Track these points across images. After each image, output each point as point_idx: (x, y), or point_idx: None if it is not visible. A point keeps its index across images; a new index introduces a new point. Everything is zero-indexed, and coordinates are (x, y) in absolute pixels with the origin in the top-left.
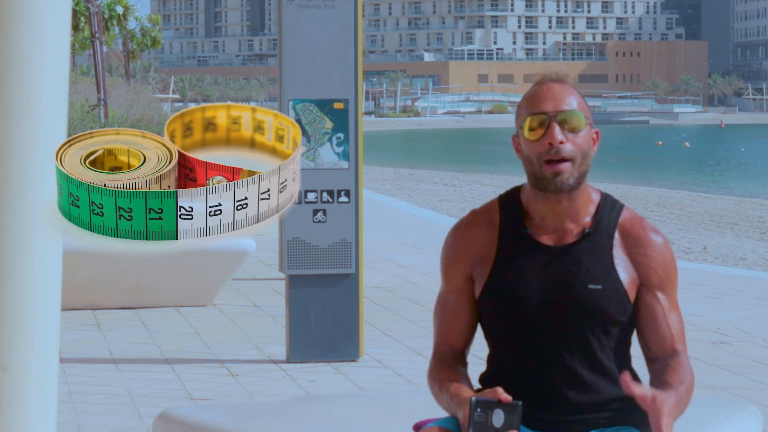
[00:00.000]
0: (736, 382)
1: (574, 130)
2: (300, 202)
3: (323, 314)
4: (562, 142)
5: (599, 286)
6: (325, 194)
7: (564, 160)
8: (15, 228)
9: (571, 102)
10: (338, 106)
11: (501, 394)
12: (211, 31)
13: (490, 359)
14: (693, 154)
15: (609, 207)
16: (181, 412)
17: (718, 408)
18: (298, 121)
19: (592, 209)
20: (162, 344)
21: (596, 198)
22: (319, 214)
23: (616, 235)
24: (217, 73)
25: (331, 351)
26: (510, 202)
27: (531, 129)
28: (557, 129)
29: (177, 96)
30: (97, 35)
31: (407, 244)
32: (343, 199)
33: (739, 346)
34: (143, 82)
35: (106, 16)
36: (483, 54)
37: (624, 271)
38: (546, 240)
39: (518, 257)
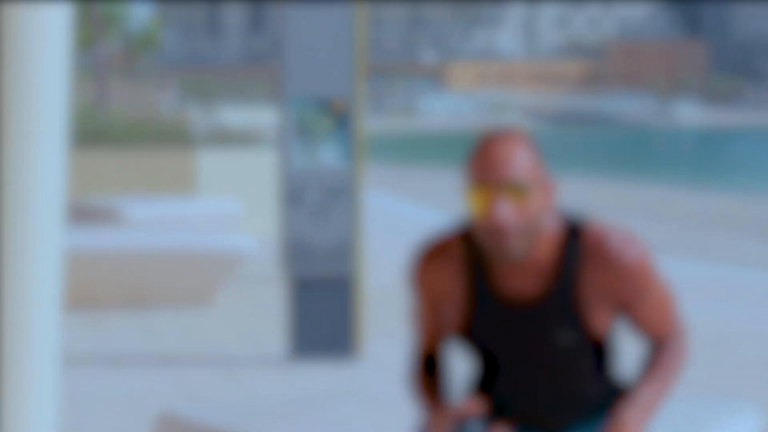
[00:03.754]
0: (736, 382)
1: (519, 199)
2: (300, 202)
3: (323, 314)
4: (507, 220)
5: (570, 340)
6: (325, 194)
7: (510, 233)
8: (15, 228)
9: (516, 166)
10: (338, 106)
11: (474, 407)
12: (211, 31)
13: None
14: (692, 154)
15: (572, 239)
16: (181, 412)
17: (718, 408)
18: (299, 120)
19: (556, 252)
20: (162, 344)
21: (556, 234)
22: (319, 215)
23: (584, 265)
24: (217, 73)
25: (331, 351)
26: (471, 250)
27: (474, 204)
28: (500, 207)
29: (177, 96)
30: (97, 35)
31: (407, 245)
32: (343, 199)
33: (739, 346)
34: (143, 82)
35: (106, 16)
36: (483, 54)
37: (595, 308)
38: (510, 294)
39: (484, 318)
